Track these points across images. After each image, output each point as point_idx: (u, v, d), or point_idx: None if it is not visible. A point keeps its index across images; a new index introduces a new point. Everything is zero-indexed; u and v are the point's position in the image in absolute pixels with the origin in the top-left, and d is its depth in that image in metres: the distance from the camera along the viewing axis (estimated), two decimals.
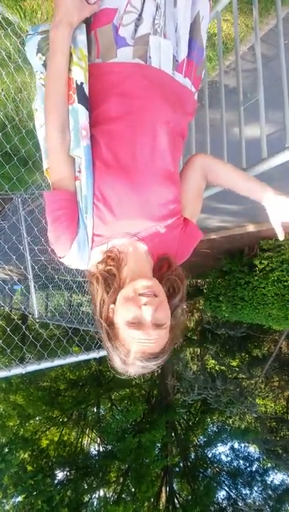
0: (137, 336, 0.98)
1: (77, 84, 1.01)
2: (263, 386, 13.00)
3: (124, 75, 1.08)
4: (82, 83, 1.01)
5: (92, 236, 1.05)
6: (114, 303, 1.02)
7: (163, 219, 1.11)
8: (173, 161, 1.15)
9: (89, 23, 1.07)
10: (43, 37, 1.09)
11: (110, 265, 1.03)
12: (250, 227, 7.64)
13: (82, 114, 1.01)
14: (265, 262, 7.17)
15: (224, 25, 2.76)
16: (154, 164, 1.08)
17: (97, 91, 1.05)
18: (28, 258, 5.89)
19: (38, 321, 6.48)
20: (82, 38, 1.04)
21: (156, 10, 1.12)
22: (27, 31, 2.72)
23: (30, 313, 6.80)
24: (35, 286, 6.35)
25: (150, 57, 1.10)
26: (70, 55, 1.01)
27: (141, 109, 1.07)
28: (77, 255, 1.06)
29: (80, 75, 1.01)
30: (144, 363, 1.00)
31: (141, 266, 1.08)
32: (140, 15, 1.10)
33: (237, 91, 1.86)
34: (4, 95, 3.39)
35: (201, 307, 11.17)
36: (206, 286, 9.65)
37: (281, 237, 1.16)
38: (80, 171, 1.03)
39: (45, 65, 1.08)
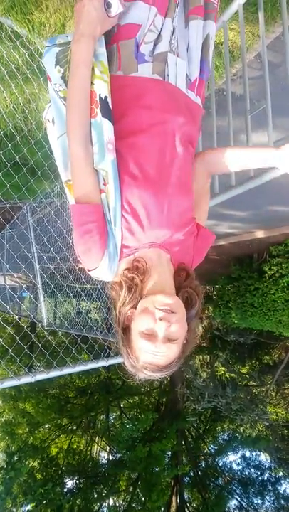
0: (147, 348, 1.02)
1: (100, 98, 1.01)
2: (273, 393, 12.85)
3: (147, 88, 1.10)
4: (106, 97, 1.02)
5: (121, 248, 1.07)
6: (134, 308, 1.06)
7: (183, 227, 1.14)
8: (189, 170, 1.18)
9: (108, 36, 1.09)
10: (61, 49, 1.09)
11: (135, 274, 1.06)
12: (259, 233, 7.62)
13: (107, 128, 1.01)
14: (275, 268, 7.13)
15: (230, 34, 2.77)
16: (175, 174, 1.11)
17: (118, 103, 1.06)
18: (37, 266, 5.93)
19: (46, 328, 6.50)
20: (102, 50, 1.05)
21: (173, 31, 1.15)
22: (35, 43, 2.77)
23: (38, 321, 6.82)
24: (43, 294, 6.38)
25: (168, 75, 1.14)
26: (92, 68, 1.02)
27: (162, 121, 1.09)
28: (108, 267, 1.08)
29: (103, 88, 1.02)
30: (150, 372, 1.05)
31: (164, 278, 1.10)
32: (159, 34, 1.13)
33: (244, 99, 1.86)
34: (13, 106, 3.43)
35: (210, 314, 11.09)
36: (215, 292, 9.61)
37: None
38: (104, 184, 1.04)
39: (63, 77, 1.09)
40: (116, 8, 1.02)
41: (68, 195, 1.13)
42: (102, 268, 1.08)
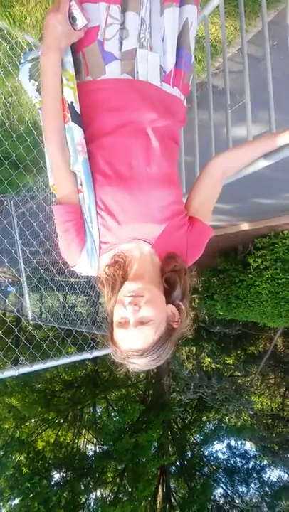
0: (122, 335, 1.06)
1: (68, 103, 1.06)
2: (258, 383, 13.08)
3: (114, 90, 1.12)
4: (72, 102, 1.07)
5: (99, 244, 1.13)
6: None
7: (166, 220, 1.15)
8: (169, 164, 1.19)
9: (74, 44, 1.11)
10: (33, 64, 1.17)
11: (115, 270, 1.10)
12: (244, 226, 7.69)
13: (76, 131, 1.07)
14: (259, 260, 7.21)
15: (213, 28, 2.77)
16: (151, 170, 1.13)
17: (89, 107, 1.11)
18: (21, 260, 5.88)
19: (31, 323, 6.46)
20: (68, 59, 1.08)
21: (141, 24, 1.13)
22: (16, 37, 2.72)
23: (23, 315, 6.78)
24: (28, 289, 6.33)
25: (138, 72, 1.14)
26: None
27: (132, 121, 1.11)
28: (87, 263, 1.14)
29: (69, 94, 1.07)
30: (132, 359, 1.06)
31: (143, 269, 1.13)
32: (123, 26, 1.12)
33: (225, 92, 1.87)
34: None
35: (196, 306, 11.18)
36: (200, 284, 9.69)
37: None
38: (81, 184, 1.09)
39: (38, 90, 1.16)
40: (80, 21, 1.06)
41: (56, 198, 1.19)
42: (82, 263, 1.14)
